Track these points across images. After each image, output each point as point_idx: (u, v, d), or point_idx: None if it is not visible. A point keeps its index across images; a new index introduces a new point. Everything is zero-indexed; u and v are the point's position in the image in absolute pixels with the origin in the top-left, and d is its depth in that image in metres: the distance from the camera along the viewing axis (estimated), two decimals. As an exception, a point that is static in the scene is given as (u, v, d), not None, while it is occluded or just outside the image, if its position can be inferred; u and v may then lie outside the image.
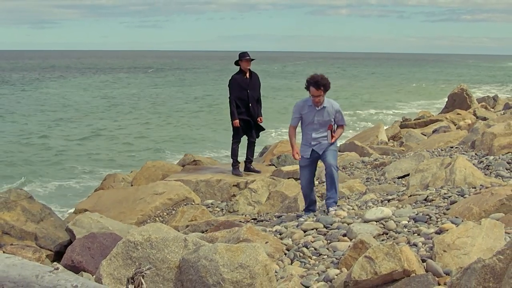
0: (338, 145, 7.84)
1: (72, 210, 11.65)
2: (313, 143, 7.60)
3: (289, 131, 7.89)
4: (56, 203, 15.04)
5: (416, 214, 6.24)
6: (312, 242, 5.92)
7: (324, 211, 7.41)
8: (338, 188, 7.77)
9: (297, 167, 11.16)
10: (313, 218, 6.87)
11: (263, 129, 10.99)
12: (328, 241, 5.88)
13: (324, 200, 7.76)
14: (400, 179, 9.41)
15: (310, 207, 7.75)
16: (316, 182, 9.30)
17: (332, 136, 7.67)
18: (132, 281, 3.63)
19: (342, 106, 8.32)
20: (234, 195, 10.11)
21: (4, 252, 6.64)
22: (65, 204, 14.99)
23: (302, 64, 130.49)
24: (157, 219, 9.38)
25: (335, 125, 7.77)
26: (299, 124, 7.81)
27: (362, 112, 36.16)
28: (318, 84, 7.36)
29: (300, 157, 7.71)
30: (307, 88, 7.48)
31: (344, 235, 5.95)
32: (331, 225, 6.37)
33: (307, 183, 7.77)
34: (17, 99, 45.62)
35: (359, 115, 35.21)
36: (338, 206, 7.41)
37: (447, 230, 5.20)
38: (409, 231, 5.78)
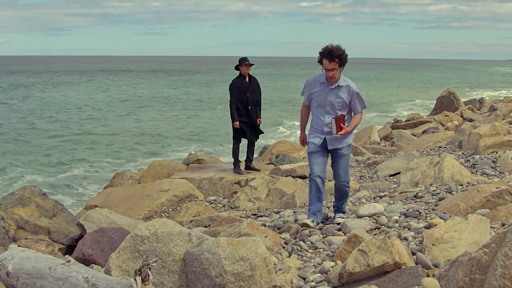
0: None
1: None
2: (326, 129, 6.07)
3: (301, 109, 6.47)
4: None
5: (407, 210, 6.24)
6: (309, 236, 5.92)
7: (328, 218, 6.43)
8: (347, 201, 6.55)
9: (294, 165, 11.18)
10: (318, 229, 6.06)
11: (262, 132, 11.00)
12: (324, 236, 5.88)
13: (332, 207, 6.61)
14: (392, 177, 9.40)
15: (317, 212, 6.14)
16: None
17: (339, 127, 5.93)
18: (139, 273, 3.63)
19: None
20: (235, 192, 10.10)
21: (19, 245, 6.64)
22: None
23: (300, 69, 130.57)
24: (163, 214, 9.37)
25: (345, 112, 6.10)
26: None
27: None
28: (332, 54, 5.86)
29: (306, 144, 6.32)
30: (320, 61, 5.98)
31: (339, 229, 5.95)
32: (327, 220, 6.37)
33: (320, 169, 6.07)
34: (66, 99, 47.21)
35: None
36: (345, 216, 6.36)
37: (435, 225, 5.20)
38: (400, 226, 5.78)
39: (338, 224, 6.10)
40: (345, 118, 6.05)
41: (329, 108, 6.04)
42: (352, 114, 6.18)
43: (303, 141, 6.38)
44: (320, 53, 5.97)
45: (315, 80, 6.15)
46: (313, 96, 6.12)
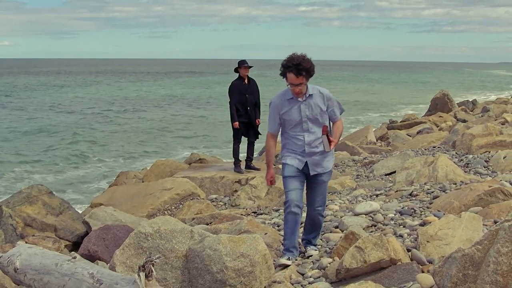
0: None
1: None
2: (309, 149, 5.07)
3: (266, 141, 5.30)
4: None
5: (402, 208, 6.24)
6: (307, 233, 5.92)
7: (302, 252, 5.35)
8: (319, 236, 5.52)
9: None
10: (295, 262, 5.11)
11: (260, 134, 11.00)
12: (322, 233, 5.88)
13: (301, 240, 5.45)
14: (387, 176, 9.40)
15: (292, 248, 5.16)
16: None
17: (329, 141, 5.03)
18: (143, 269, 3.63)
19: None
20: (236, 191, 10.09)
21: (26, 242, 6.64)
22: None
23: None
24: (165, 212, 9.37)
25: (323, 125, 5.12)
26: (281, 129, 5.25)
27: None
28: (298, 68, 4.87)
29: (270, 183, 5.34)
30: (283, 74, 5.00)
31: (336, 227, 5.95)
32: (325, 218, 6.37)
33: (298, 196, 5.08)
34: (111, 98, 48.96)
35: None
36: (317, 248, 5.35)
37: (430, 223, 5.20)
38: (395, 223, 5.78)
39: (311, 256, 5.24)
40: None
41: (309, 124, 5.05)
42: (331, 123, 5.22)
43: (271, 180, 5.30)
44: (283, 65, 4.96)
45: (281, 100, 5.10)
46: (284, 117, 5.07)
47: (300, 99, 5.04)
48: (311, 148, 5.08)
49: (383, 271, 4.45)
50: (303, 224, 5.59)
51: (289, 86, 5.01)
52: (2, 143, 24.79)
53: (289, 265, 4.98)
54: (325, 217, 5.48)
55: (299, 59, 4.92)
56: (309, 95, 5.05)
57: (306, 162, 5.10)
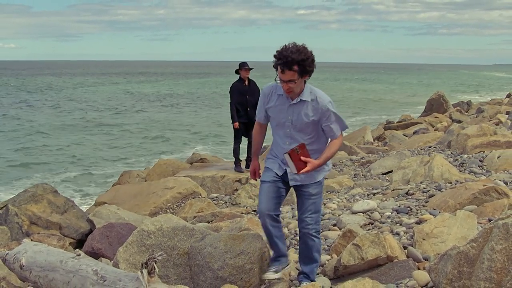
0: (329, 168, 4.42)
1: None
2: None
3: (253, 129, 4.59)
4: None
5: (399, 206, 6.23)
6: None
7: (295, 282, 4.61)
8: (319, 260, 4.54)
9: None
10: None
11: None
12: (320, 231, 5.88)
13: (297, 275, 4.61)
14: (384, 175, 9.40)
15: (279, 257, 4.48)
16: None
17: (301, 163, 4.00)
18: (145, 266, 3.63)
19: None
20: (236, 190, 10.10)
21: (32, 240, 6.63)
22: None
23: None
24: (168, 210, 9.37)
25: (313, 137, 4.18)
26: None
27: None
28: (287, 62, 3.92)
29: (256, 175, 4.50)
30: (275, 66, 4.05)
31: (334, 225, 5.94)
32: (323, 216, 6.36)
33: (269, 205, 4.26)
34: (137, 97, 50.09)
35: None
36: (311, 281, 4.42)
37: (426, 221, 5.20)
38: (392, 222, 5.78)
39: None
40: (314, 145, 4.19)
41: (292, 132, 4.17)
42: (329, 139, 4.25)
43: (255, 172, 4.49)
44: (274, 56, 4.02)
45: (271, 91, 4.25)
46: (270, 112, 4.27)
47: (291, 100, 4.13)
48: None
49: (380, 268, 4.45)
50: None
51: (277, 81, 4.11)
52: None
53: (274, 279, 4.40)
54: (319, 239, 4.42)
55: (289, 50, 3.93)
56: (301, 100, 4.10)
57: (286, 170, 4.24)
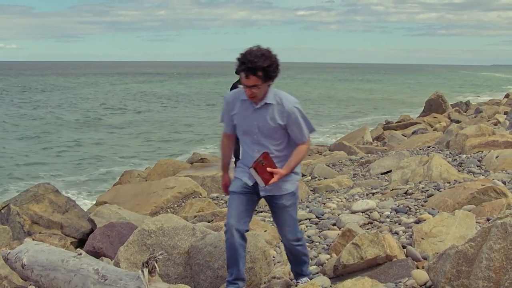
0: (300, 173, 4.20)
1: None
2: None
3: (221, 140, 4.28)
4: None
5: (398, 206, 6.23)
6: (306, 230, 5.92)
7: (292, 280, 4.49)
8: (309, 259, 4.40)
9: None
10: None
11: None
12: (320, 230, 5.87)
13: (291, 270, 4.48)
14: (383, 175, 9.39)
15: (236, 281, 4.05)
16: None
17: (267, 175, 3.81)
18: (146, 265, 3.63)
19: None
20: (236, 189, 10.10)
21: (33, 239, 6.64)
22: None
23: (297, 73, 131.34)
24: (168, 210, 9.36)
25: (282, 143, 3.94)
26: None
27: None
28: (253, 67, 3.72)
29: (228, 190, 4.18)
30: (239, 71, 3.83)
31: (334, 224, 5.94)
32: (322, 215, 6.37)
33: (239, 219, 3.97)
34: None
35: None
36: (311, 276, 4.47)
37: (424, 220, 5.20)
38: (391, 221, 5.78)
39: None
40: (281, 153, 3.94)
41: (260, 137, 3.92)
42: (281, 146, 3.96)
43: (226, 186, 4.27)
44: (238, 60, 3.80)
45: (234, 98, 4.00)
46: (235, 119, 4.00)
47: (255, 105, 3.88)
48: None
49: (379, 267, 4.44)
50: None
51: (241, 87, 3.90)
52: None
53: None
54: (303, 243, 4.23)
55: (253, 56, 3.71)
56: (266, 103, 3.86)
57: (256, 181, 3.94)
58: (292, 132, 3.92)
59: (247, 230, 4.04)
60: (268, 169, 3.79)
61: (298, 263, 4.32)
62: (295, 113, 3.88)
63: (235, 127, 4.05)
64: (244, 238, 4.00)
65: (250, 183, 4.00)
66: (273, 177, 3.82)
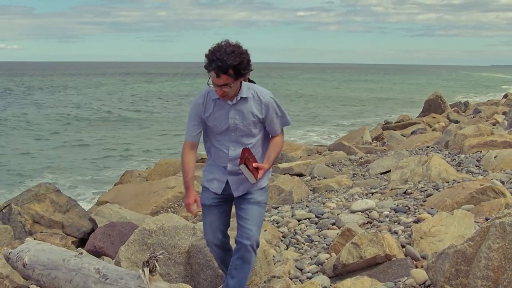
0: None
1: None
2: (231, 167, 3.74)
3: (182, 153, 3.81)
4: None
5: (397, 206, 6.23)
6: (305, 230, 5.92)
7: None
8: (248, 277, 3.82)
9: (292, 164, 11.13)
10: None
11: None
12: (319, 229, 5.87)
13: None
14: (383, 175, 9.39)
15: None
16: None
17: (254, 170, 3.63)
18: (147, 264, 3.63)
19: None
20: (236, 189, 10.10)
21: (35, 239, 6.64)
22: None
23: (297, 73, 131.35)
24: (169, 210, 9.37)
25: (260, 139, 3.78)
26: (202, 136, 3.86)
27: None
28: (222, 66, 3.47)
29: (196, 206, 3.82)
30: (208, 69, 3.57)
31: (333, 224, 5.94)
32: (322, 215, 6.36)
33: (216, 235, 3.87)
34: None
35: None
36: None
37: (423, 220, 5.20)
38: (390, 220, 5.77)
39: None
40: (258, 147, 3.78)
41: (237, 134, 3.70)
42: (258, 140, 3.79)
43: (191, 204, 3.80)
44: (206, 57, 3.54)
45: (205, 99, 3.72)
46: (208, 122, 3.72)
47: (229, 101, 3.66)
48: (235, 166, 3.70)
49: (379, 266, 4.45)
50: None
51: (210, 85, 3.63)
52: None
53: None
54: (255, 256, 3.80)
55: (223, 53, 3.46)
56: (242, 98, 3.66)
57: (227, 180, 3.76)
58: (270, 124, 3.76)
59: (228, 241, 3.93)
60: (254, 164, 3.62)
61: (239, 274, 3.75)
62: (272, 103, 3.72)
63: (205, 131, 3.78)
64: (226, 249, 3.93)
65: (220, 191, 3.79)
66: (258, 172, 3.63)
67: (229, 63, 3.47)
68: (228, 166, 3.74)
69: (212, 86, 3.62)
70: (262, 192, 3.82)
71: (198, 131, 3.77)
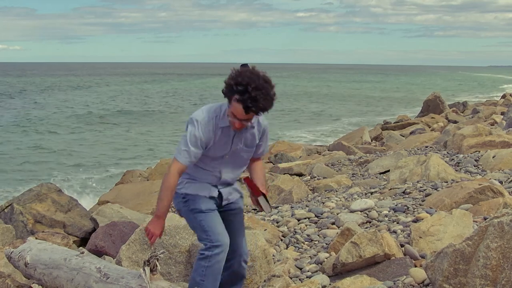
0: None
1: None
2: (221, 186, 3.58)
3: (169, 177, 3.37)
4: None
5: (396, 205, 6.23)
6: (305, 229, 5.91)
7: None
8: None
9: (291, 164, 11.13)
10: None
11: None
12: (319, 229, 5.87)
13: None
14: (382, 175, 9.39)
15: None
16: None
17: (255, 190, 3.56)
18: (148, 263, 3.63)
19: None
20: (237, 189, 10.09)
21: (36, 238, 6.63)
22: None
23: (297, 73, 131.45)
24: (169, 209, 9.36)
25: (247, 162, 3.64)
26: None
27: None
28: (266, 109, 3.25)
29: (156, 236, 3.47)
30: (227, 94, 3.28)
31: (333, 223, 5.94)
32: (322, 214, 6.36)
33: (228, 238, 3.49)
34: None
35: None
36: None
37: (422, 219, 5.19)
38: (389, 220, 5.77)
39: None
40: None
41: (229, 159, 3.51)
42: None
43: (158, 236, 3.48)
44: (236, 89, 3.19)
45: (213, 126, 3.38)
46: (211, 148, 3.44)
47: (236, 130, 3.42)
48: (224, 185, 3.59)
49: (378, 265, 4.44)
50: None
51: (230, 116, 3.31)
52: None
53: None
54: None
55: (268, 96, 3.19)
56: (250, 126, 3.45)
57: (220, 191, 3.58)
58: (260, 147, 3.61)
59: None
60: (259, 187, 3.54)
61: None
62: (268, 128, 3.59)
63: (204, 155, 3.45)
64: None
65: (216, 195, 3.56)
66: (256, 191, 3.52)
67: (268, 108, 3.24)
68: (219, 184, 3.56)
69: (231, 117, 3.30)
70: (241, 199, 3.75)
71: (197, 157, 3.41)
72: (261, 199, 3.50)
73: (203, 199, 3.53)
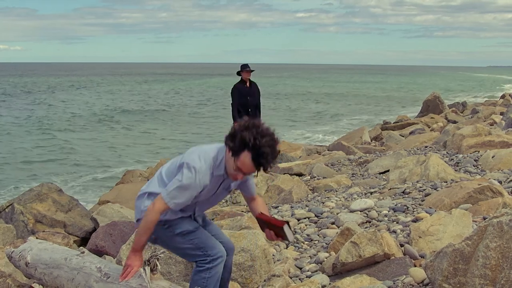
0: None
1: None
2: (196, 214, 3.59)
3: (155, 212, 3.35)
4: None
5: (395, 205, 6.23)
6: (305, 229, 5.91)
7: None
8: None
9: (291, 164, 11.13)
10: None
11: None
12: (319, 228, 5.87)
13: None
14: (381, 175, 9.39)
15: None
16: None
17: (275, 222, 3.42)
18: (148, 263, 3.62)
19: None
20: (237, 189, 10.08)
21: (37, 238, 6.63)
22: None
23: (297, 73, 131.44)
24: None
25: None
26: None
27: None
28: (270, 167, 3.23)
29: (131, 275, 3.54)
30: (236, 152, 3.18)
31: (333, 223, 5.94)
32: (321, 214, 6.36)
33: (215, 242, 3.53)
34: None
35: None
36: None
37: (422, 219, 5.20)
38: (389, 220, 5.77)
39: None
40: None
41: (208, 200, 3.51)
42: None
43: (136, 271, 3.56)
44: (248, 142, 3.13)
45: (211, 175, 3.31)
46: (198, 197, 3.39)
47: (226, 175, 3.38)
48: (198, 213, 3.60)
49: (377, 265, 4.44)
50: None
51: (235, 169, 3.24)
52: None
53: None
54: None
55: (277, 154, 3.22)
56: None
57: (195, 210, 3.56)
58: (250, 186, 3.62)
59: None
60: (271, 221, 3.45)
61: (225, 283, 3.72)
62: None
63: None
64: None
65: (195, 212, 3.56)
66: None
67: (272, 161, 3.22)
68: (195, 212, 3.55)
69: (233, 167, 3.23)
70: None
71: (189, 201, 3.36)
72: (286, 228, 3.36)
73: (186, 219, 3.50)
